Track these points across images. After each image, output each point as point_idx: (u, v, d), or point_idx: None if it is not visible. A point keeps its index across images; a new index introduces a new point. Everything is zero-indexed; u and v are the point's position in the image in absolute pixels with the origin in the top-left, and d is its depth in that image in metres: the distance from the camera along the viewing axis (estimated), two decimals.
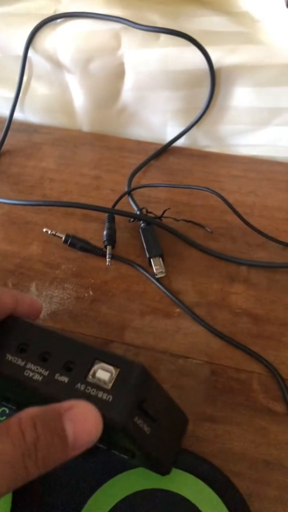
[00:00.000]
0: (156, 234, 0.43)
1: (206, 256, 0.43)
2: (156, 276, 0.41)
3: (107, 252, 0.41)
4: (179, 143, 0.53)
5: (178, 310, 0.39)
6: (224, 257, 0.42)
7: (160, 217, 0.44)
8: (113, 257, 0.42)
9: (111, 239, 0.42)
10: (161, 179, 0.49)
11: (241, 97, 0.48)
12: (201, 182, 0.48)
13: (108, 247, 0.42)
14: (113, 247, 0.42)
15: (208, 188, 0.45)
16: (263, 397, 0.35)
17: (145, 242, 0.42)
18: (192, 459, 0.31)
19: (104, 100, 0.52)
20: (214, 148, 0.53)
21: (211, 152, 0.52)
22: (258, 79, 0.47)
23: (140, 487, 0.30)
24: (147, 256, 0.41)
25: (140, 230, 0.43)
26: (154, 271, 0.41)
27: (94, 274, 0.41)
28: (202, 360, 0.36)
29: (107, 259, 0.41)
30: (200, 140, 0.53)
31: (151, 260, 0.41)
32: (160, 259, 0.41)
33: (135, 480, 0.30)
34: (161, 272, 0.41)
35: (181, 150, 0.52)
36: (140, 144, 0.53)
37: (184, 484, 0.30)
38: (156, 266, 0.41)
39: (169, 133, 0.53)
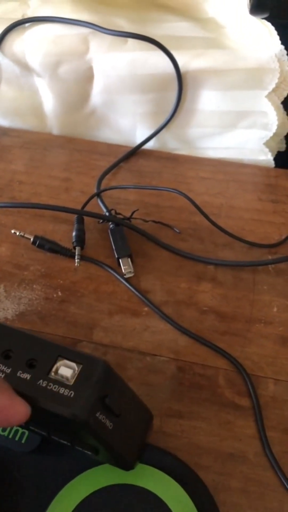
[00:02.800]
0: (125, 235, 0.43)
1: (174, 256, 0.44)
2: (124, 276, 0.41)
3: (76, 253, 0.42)
4: (149, 146, 0.53)
5: (146, 309, 0.40)
6: (191, 257, 0.43)
7: (129, 218, 0.45)
8: (82, 258, 0.42)
9: (80, 240, 0.43)
10: (131, 181, 0.50)
11: (208, 101, 0.50)
12: (170, 184, 0.49)
13: (77, 248, 0.42)
14: (82, 248, 0.43)
15: (176, 190, 0.46)
16: (228, 392, 0.35)
17: (113, 243, 0.43)
18: (158, 454, 0.32)
19: (74, 103, 0.52)
20: (182, 151, 0.54)
21: (179, 155, 0.53)
22: (224, 83, 0.48)
23: (106, 482, 0.30)
24: (116, 256, 0.42)
25: (109, 231, 0.44)
26: (123, 271, 0.41)
27: (63, 275, 0.42)
28: (169, 357, 0.37)
29: (76, 260, 0.41)
30: (169, 143, 0.53)
31: (120, 260, 0.42)
32: (129, 259, 0.42)
33: (101, 476, 0.30)
34: (130, 272, 0.41)
35: (150, 153, 0.53)
36: (110, 147, 0.54)
37: (150, 478, 0.30)
38: (125, 266, 0.41)
39: (139, 136, 0.53)
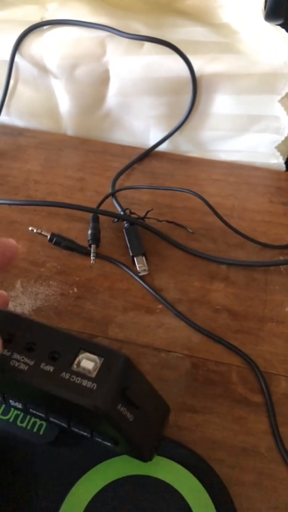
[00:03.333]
0: (139, 234, 0.44)
1: (187, 256, 0.44)
2: (139, 274, 0.42)
3: (92, 251, 0.43)
4: (162, 148, 0.54)
5: (160, 306, 0.41)
6: (204, 256, 0.44)
7: (143, 218, 0.46)
8: (97, 255, 0.43)
9: (96, 238, 0.43)
10: (144, 182, 0.51)
11: (221, 104, 0.50)
12: (182, 185, 0.50)
13: (93, 246, 0.43)
14: (97, 246, 0.43)
15: (189, 190, 0.47)
16: (241, 388, 0.36)
17: (128, 242, 0.43)
18: (174, 447, 0.32)
19: (89, 105, 0.53)
20: (195, 153, 0.55)
21: (192, 157, 0.54)
22: (238, 87, 0.49)
23: (124, 473, 0.31)
24: (131, 254, 0.43)
25: (124, 230, 0.44)
26: (138, 269, 0.42)
27: (78, 272, 0.42)
28: (183, 353, 0.38)
29: (92, 258, 0.42)
30: (182, 145, 0.54)
31: (135, 258, 0.42)
32: (143, 257, 0.43)
33: (119, 467, 0.31)
34: (144, 270, 0.42)
35: (164, 155, 0.54)
36: (124, 149, 0.54)
37: (167, 470, 0.31)
38: (139, 264, 0.42)
39: (152, 138, 0.54)
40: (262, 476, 0.32)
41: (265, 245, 0.44)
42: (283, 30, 0.48)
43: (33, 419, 0.33)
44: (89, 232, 0.44)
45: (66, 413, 0.29)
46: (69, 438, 0.32)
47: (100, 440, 0.30)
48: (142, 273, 0.42)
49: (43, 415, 0.30)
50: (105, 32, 0.49)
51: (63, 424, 0.30)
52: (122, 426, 0.26)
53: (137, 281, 0.42)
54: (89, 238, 0.43)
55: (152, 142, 0.54)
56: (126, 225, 0.45)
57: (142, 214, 0.46)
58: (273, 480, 0.32)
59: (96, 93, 0.52)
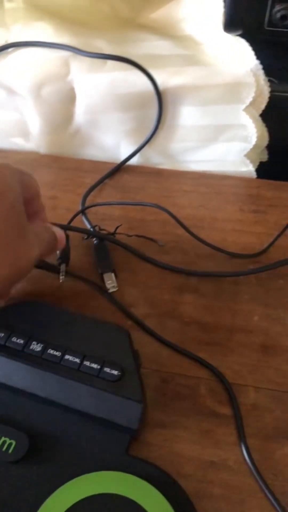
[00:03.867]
0: (108, 250, 0.45)
1: (157, 269, 0.45)
2: (108, 291, 0.42)
3: (61, 270, 0.43)
4: (133, 161, 0.55)
5: (129, 322, 0.41)
6: (174, 269, 0.44)
7: (113, 234, 0.46)
8: (67, 274, 0.43)
9: (65, 257, 0.44)
10: (116, 197, 0.51)
11: (188, 116, 0.51)
12: (154, 198, 0.50)
13: (62, 265, 0.43)
14: (67, 265, 0.44)
15: (156, 204, 0.47)
16: (210, 401, 0.36)
17: (97, 258, 0.44)
18: (141, 464, 0.33)
19: (58, 123, 0.54)
20: (166, 165, 0.55)
21: (163, 169, 0.54)
22: (203, 99, 0.49)
23: (90, 492, 0.31)
24: (99, 271, 0.43)
25: (93, 247, 0.45)
26: (106, 286, 0.42)
27: (48, 291, 0.43)
28: (152, 369, 0.38)
29: (61, 277, 0.43)
30: (152, 158, 0.55)
31: (103, 275, 0.43)
32: (112, 274, 0.43)
33: (85, 486, 0.31)
34: (113, 286, 0.42)
35: (135, 168, 0.54)
36: (96, 164, 0.55)
37: (133, 488, 0.31)
38: (108, 281, 0.43)
39: (123, 152, 0.55)
40: (230, 489, 0.32)
41: (233, 255, 0.45)
42: (243, 40, 0.48)
43: (2, 438, 0.33)
44: (58, 251, 0.44)
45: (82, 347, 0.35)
46: (37, 457, 0.32)
47: (109, 371, 0.34)
48: (111, 290, 0.42)
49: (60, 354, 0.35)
50: (68, 52, 0.50)
51: (77, 360, 0.34)
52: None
53: (107, 299, 0.42)
54: (58, 256, 0.44)
55: (123, 157, 0.55)
56: (95, 241, 0.45)
57: (113, 230, 0.46)
58: (241, 492, 0.32)
59: (65, 111, 0.52)
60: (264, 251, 0.45)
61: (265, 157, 0.55)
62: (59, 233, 0.40)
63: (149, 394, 0.36)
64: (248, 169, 0.53)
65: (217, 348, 0.39)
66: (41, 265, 0.43)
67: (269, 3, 0.46)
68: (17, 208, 0.33)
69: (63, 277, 0.43)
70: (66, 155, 0.56)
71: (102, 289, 0.43)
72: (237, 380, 0.37)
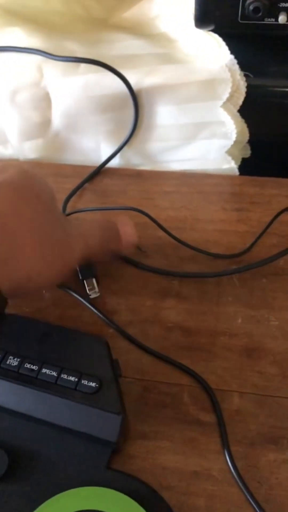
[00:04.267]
0: None
1: (140, 273, 0.44)
2: (90, 297, 0.41)
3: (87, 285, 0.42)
4: (114, 164, 0.54)
5: (111, 330, 0.40)
6: (156, 271, 0.43)
7: None
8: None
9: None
10: (97, 202, 0.51)
11: (165, 115, 0.50)
12: (135, 201, 0.50)
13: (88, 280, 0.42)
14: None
15: (135, 208, 0.46)
16: (193, 409, 0.35)
17: (78, 265, 0.43)
18: (122, 478, 0.32)
19: (36, 129, 0.53)
20: (147, 166, 0.54)
21: (143, 170, 0.53)
22: (179, 97, 0.48)
23: (72, 509, 0.30)
24: (80, 277, 0.42)
25: None
26: (88, 292, 0.42)
27: (28, 302, 0.42)
28: (134, 378, 0.37)
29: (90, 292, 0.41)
30: (133, 159, 0.54)
31: (84, 281, 0.42)
32: (94, 280, 0.42)
33: (67, 503, 0.31)
34: (95, 292, 0.42)
35: (115, 171, 0.53)
36: (76, 169, 0.54)
37: (114, 503, 0.31)
38: (89, 287, 0.42)
39: (104, 155, 0.54)
40: (215, 499, 0.32)
41: (215, 256, 0.44)
42: (216, 35, 0.47)
43: None
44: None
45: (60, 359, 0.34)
46: (16, 475, 0.32)
47: (86, 383, 0.33)
48: (92, 296, 0.42)
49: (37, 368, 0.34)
50: (41, 56, 0.49)
51: (54, 373, 0.34)
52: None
53: (87, 306, 0.41)
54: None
55: (104, 159, 0.54)
56: None
57: None
58: (225, 502, 0.31)
59: (41, 117, 0.51)
60: (247, 250, 0.44)
61: (247, 153, 0.54)
62: (127, 228, 0.39)
63: (131, 404, 0.35)
64: (230, 166, 0.52)
65: (200, 353, 0.38)
66: None
67: None
68: (55, 205, 0.35)
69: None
70: (46, 160, 0.55)
71: (83, 297, 0.42)
72: (221, 385, 0.36)
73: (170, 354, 0.38)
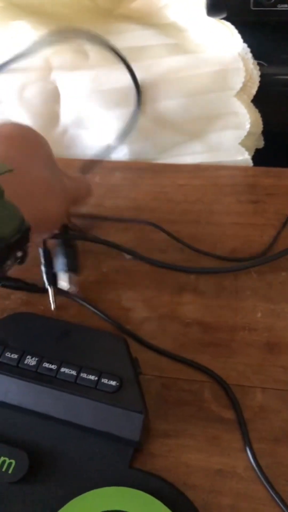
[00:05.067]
0: (73, 249, 0.41)
1: (155, 269, 0.43)
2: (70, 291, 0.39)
3: (50, 295, 0.40)
4: (125, 158, 0.53)
5: (129, 327, 0.39)
6: (172, 267, 0.43)
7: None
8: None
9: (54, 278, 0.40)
10: (108, 196, 0.50)
11: (177, 108, 0.49)
12: (147, 195, 0.49)
13: (50, 289, 0.40)
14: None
15: (150, 223, 0.45)
16: (215, 406, 0.35)
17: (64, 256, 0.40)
18: (145, 477, 0.31)
19: (45, 124, 0.52)
20: (161, 160, 0.53)
21: (156, 164, 0.53)
22: (190, 89, 0.47)
23: (95, 510, 0.30)
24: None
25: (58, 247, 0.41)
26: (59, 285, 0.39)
27: (43, 301, 0.41)
28: (153, 375, 0.37)
29: (51, 303, 0.40)
30: (144, 153, 0.53)
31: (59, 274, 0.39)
32: (68, 274, 0.39)
33: (90, 504, 0.30)
34: (65, 286, 0.39)
35: (127, 164, 0.53)
36: (85, 163, 0.53)
37: (139, 503, 0.30)
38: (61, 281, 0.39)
39: (114, 149, 0.53)
40: (240, 497, 0.31)
41: (233, 260, 0.42)
42: (228, 24, 0.46)
43: (2, 458, 0.32)
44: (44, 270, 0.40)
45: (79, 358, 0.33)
46: (38, 476, 0.31)
47: (107, 381, 0.32)
48: (71, 290, 0.39)
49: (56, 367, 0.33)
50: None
51: (73, 372, 0.33)
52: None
53: (98, 314, 0.40)
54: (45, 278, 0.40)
55: (114, 154, 0.53)
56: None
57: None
58: (251, 501, 0.31)
59: (49, 111, 0.51)
60: (268, 249, 0.43)
61: (261, 143, 0.53)
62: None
63: (151, 402, 0.35)
64: (244, 157, 0.51)
65: (220, 349, 0.38)
66: (23, 287, 0.41)
67: None
68: (52, 157, 0.38)
69: (54, 303, 0.40)
70: (56, 155, 0.54)
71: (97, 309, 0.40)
72: (242, 382, 0.36)
73: (189, 350, 0.38)
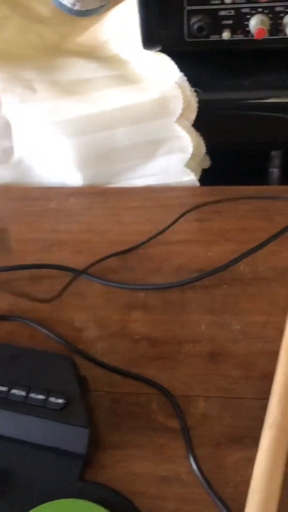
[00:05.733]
0: None
1: (106, 288, 0.45)
2: None
3: None
4: (79, 184, 0.55)
5: (80, 346, 0.41)
6: (121, 286, 0.45)
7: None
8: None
9: None
10: (63, 221, 0.52)
11: (122, 137, 0.52)
12: (100, 218, 0.51)
13: None
14: None
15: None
16: (161, 416, 0.37)
17: None
18: (95, 488, 0.33)
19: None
20: (113, 184, 0.56)
21: (109, 188, 0.55)
22: (133, 118, 0.50)
23: None
24: None
25: None
26: None
27: None
28: (104, 390, 0.38)
29: None
30: (97, 179, 0.55)
31: None
32: None
33: None
34: None
35: (81, 190, 0.55)
36: (43, 191, 0.56)
37: None
38: None
39: (70, 176, 0.55)
40: (183, 501, 0.33)
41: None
42: (164, 55, 0.49)
43: None
44: None
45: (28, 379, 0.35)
46: None
47: (54, 400, 0.34)
48: None
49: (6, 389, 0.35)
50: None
51: (23, 393, 0.34)
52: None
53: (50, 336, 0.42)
54: None
55: (72, 180, 0.55)
56: None
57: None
58: (194, 504, 0.33)
59: (2, 144, 0.53)
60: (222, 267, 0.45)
61: (207, 163, 0.56)
62: None
63: (101, 416, 0.37)
64: (190, 178, 0.54)
65: (167, 362, 0.40)
66: None
67: (185, 16, 0.47)
68: None
69: None
70: (13, 184, 0.57)
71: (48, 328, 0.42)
72: (187, 391, 0.38)
73: (138, 365, 0.40)
